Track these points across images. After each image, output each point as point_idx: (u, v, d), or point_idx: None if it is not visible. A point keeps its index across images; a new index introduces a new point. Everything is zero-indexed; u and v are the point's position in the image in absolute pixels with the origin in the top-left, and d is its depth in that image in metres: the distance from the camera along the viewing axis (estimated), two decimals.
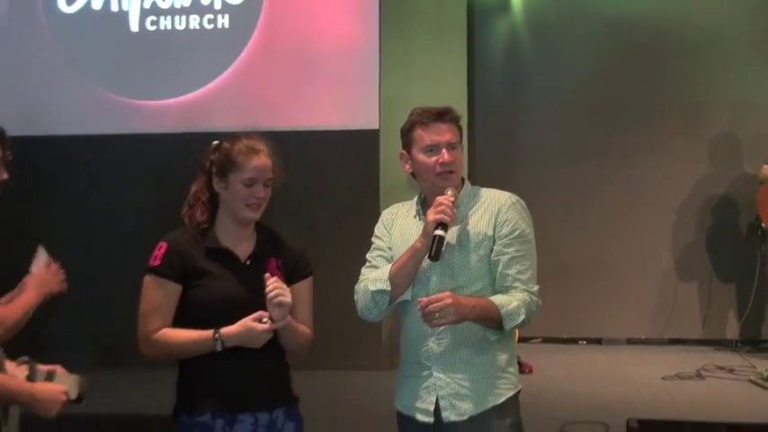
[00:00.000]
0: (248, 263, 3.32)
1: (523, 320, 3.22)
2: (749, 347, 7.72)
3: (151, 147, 7.21)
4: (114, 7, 7.49)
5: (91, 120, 7.38)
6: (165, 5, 7.44)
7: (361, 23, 7.20)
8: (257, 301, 3.20)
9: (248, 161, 3.24)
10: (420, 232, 3.26)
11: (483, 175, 7.65)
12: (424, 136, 3.29)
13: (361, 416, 5.71)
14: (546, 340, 8.14)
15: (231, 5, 7.37)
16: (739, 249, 8.00)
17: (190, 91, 7.33)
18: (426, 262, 3.25)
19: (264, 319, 3.16)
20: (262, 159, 3.26)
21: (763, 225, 7.50)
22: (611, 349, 7.95)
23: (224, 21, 7.37)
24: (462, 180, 3.39)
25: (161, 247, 3.30)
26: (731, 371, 6.72)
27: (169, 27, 7.44)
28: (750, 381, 6.42)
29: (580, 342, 8.18)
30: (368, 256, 3.44)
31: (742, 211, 8.00)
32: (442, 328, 3.19)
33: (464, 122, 7.36)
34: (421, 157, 3.30)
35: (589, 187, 8.28)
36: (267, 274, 3.20)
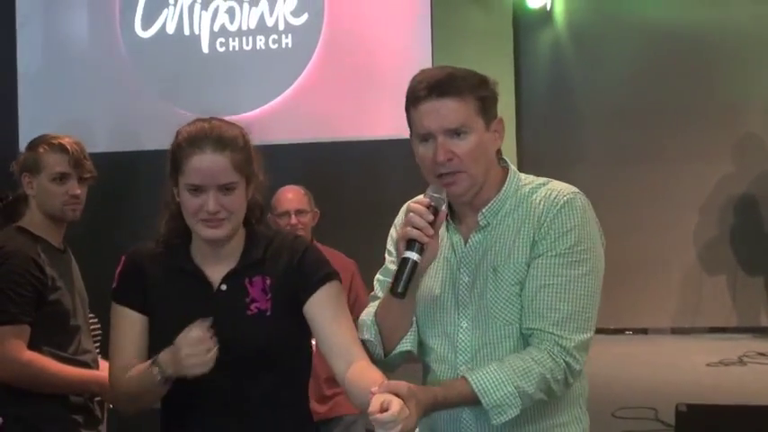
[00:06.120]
0: (223, 287, 2.27)
1: (534, 399, 2.06)
2: None
3: None
4: (186, 31, 7.55)
5: (165, 135, 7.38)
6: (232, 28, 7.48)
7: (413, 40, 7.14)
8: (232, 340, 2.14)
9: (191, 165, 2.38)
10: (445, 246, 2.16)
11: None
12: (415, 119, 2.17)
13: None
14: (595, 331, 8.02)
15: (294, 26, 7.37)
16: (764, 244, 7.78)
17: (256, 107, 7.32)
18: (452, 299, 2.16)
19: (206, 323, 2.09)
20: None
21: None
22: (657, 339, 7.82)
23: (287, 40, 7.38)
24: (505, 169, 2.26)
25: (120, 264, 2.34)
26: None
27: (237, 48, 7.47)
28: None
29: (627, 332, 8.06)
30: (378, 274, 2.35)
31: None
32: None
33: (511, 128, 7.28)
34: (416, 147, 2.21)
35: (629, 186, 8.09)
36: (374, 389, 1.91)
